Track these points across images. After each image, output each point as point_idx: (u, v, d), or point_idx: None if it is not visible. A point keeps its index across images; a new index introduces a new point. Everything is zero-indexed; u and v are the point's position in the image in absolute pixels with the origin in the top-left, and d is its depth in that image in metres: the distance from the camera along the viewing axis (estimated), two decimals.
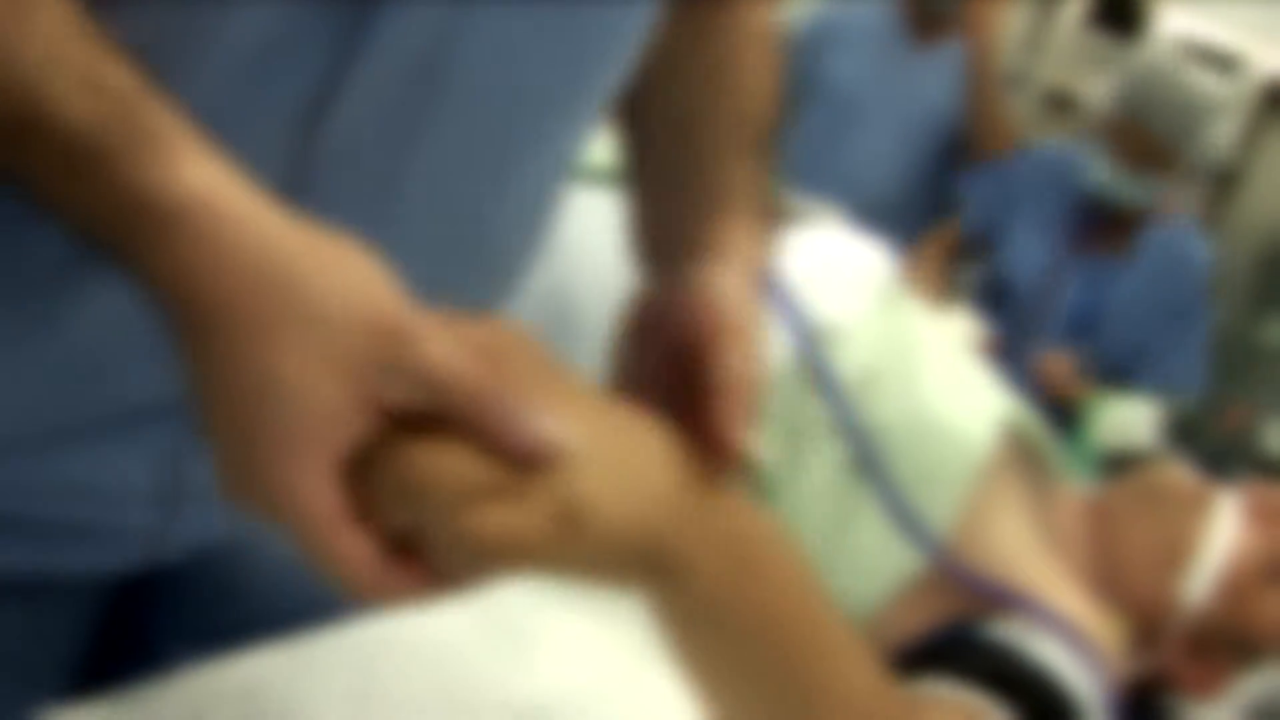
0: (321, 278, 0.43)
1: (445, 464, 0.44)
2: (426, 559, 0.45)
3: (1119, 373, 2.19)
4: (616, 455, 0.49)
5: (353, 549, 0.43)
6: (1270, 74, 3.51)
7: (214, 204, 0.43)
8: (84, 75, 0.42)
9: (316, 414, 0.42)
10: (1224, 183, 3.48)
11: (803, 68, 2.43)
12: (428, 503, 0.44)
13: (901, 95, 2.42)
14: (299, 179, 0.50)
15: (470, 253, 0.59)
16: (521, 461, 0.44)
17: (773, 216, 0.67)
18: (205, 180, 0.43)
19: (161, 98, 0.44)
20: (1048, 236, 2.25)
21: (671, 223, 0.61)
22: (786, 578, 0.58)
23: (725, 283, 0.57)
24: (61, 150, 0.42)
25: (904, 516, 0.88)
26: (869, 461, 0.90)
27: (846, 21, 2.48)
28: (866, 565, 0.89)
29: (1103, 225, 2.20)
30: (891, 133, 2.39)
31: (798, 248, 1.01)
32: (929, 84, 2.44)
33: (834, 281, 0.99)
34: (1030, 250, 2.25)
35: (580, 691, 0.77)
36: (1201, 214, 3.45)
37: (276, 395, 0.42)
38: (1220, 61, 3.61)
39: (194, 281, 0.43)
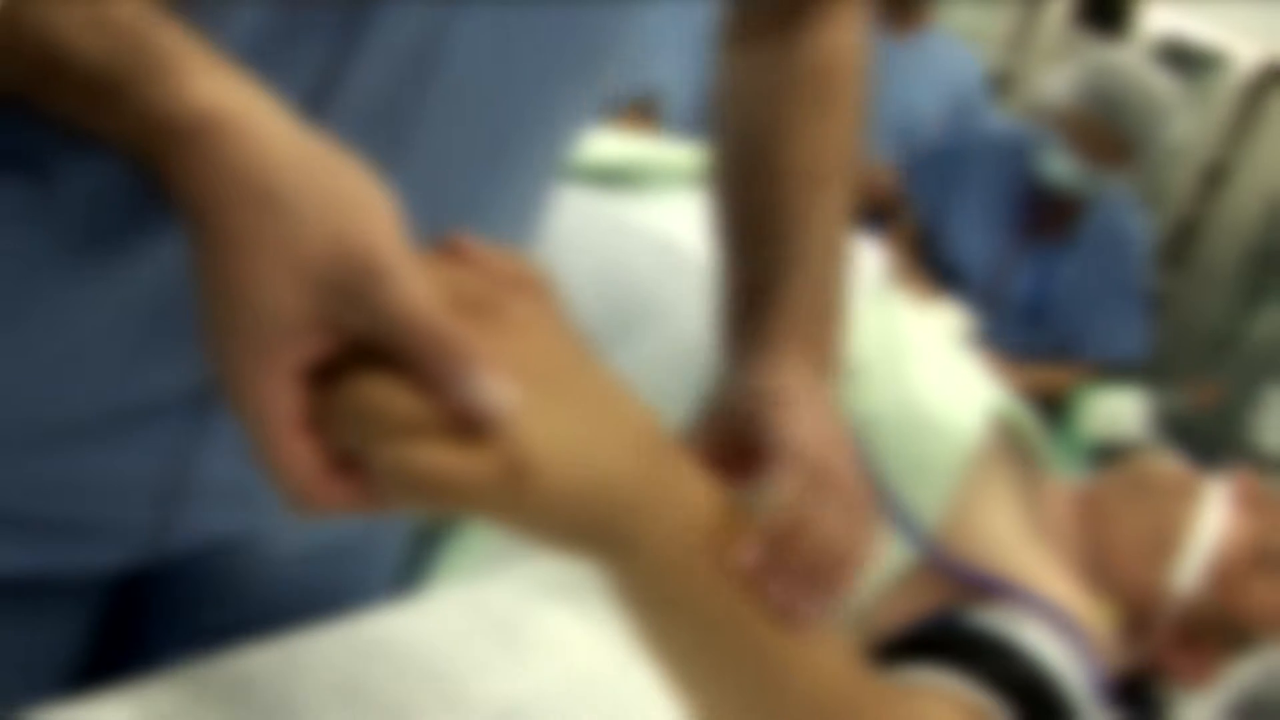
0: (308, 197, 0.44)
1: (396, 395, 0.45)
2: (367, 479, 0.45)
3: (1067, 350, 2.22)
4: (579, 422, 0.49)
5: (299, 455, 0.44)
6: (1253, 69, 3.53)
7: (221, 120, 0.44)
8: (90, 14, 0.44)
9: (277, 324, 0.44)
10: (1211, 176, 3.50)
11: None
12: (373, 428, 0.44)
13: (884, 95, 2.42)
14: None
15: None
16: (462, 419, 0.44)
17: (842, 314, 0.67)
18: (213, 98, 0.44)
19: (170, 25, 0.45)
20: (995, 223, 2.27)
21: (752, 288, 0.62)
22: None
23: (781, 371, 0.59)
24: (79, 86, 0.44)
25: (894, 508, 0.89)
26: (859, 453, 0.90)
27: None
28: None
29: (1050, 212, 2.23)
30: (878, 136, 2.39)
31: None
32: (910, 83, 2.44)
33: None
34: (978, 236, 2.27)
35: (568, 687, 0.77)
36: (1187, 208, 3.47)
37: (245, 301, 0.44)
38: (1203, 57, 3.63)
39: (198, 193, 0.44)
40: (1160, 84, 2.12)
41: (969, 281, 2.25)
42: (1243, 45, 3.60)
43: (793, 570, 0.54)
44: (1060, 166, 2.13)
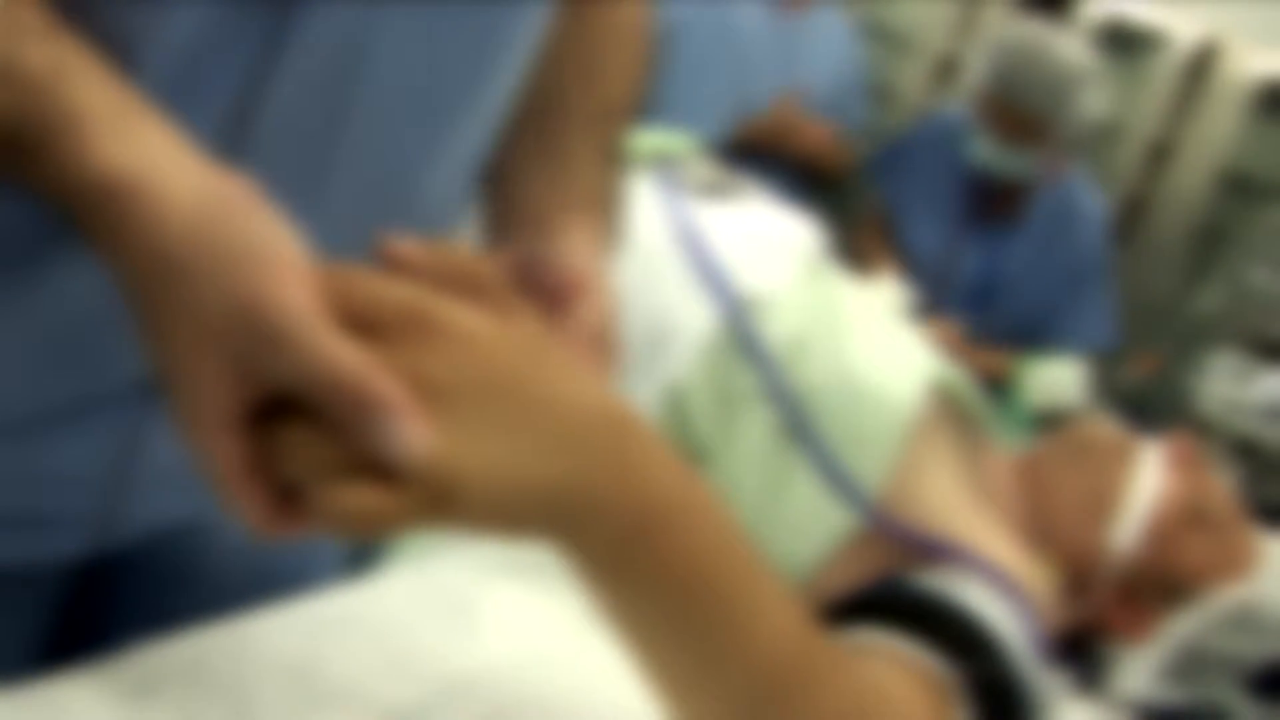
0: (207, 265, 0.45)
1: (315, 441, 0.45)
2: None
3: (1029, 335, 2.23)
4: (515, 431, 0.48)
5: (249, 497, 0.46)
6: (1193, 47, 3.58)
7: (124, 187, 0.45)
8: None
9: (197, 386, 0.45)
10: (1156, 154, 3.54)
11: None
12: (299, 470, 0.46)
13: (789, 65, 2.43)
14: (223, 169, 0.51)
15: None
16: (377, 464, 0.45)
17: (622, 201, 0.69)
18: (118, 161, 0.45)
19: (83, 73, 0.46)
20: (943, 209, 2.28)
21: (527, 193, 0.62)
22: (702, 532, 0.57)
23: (574, 246, 0.59)
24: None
25: (836, 476, 0.91)
26: (800, 425, 0.92)
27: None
28: (802, 526, 0.91)
29: (993, 195, 2.24)
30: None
31: (725, 221, 1.03)
32: (807, 59, 2.45)
33: (761, 253, 1.02)
34: (928, 222, 2.29)
35: (523, 660, 0.79)
36: (1134, 186, 3.52)
37: (165, 362, 0.46)
38: (1145, 38, 3.68)
39: (111, 258, 0.46)
40: (1068, 54, 2.08)
41: (919, 267, 2.27)
42: (1182, 24, 3.65)
43: None
44: (984, 150, 2.13)
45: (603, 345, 0.56)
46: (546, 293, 0.57)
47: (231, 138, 0.52)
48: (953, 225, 2.26)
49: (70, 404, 0.58)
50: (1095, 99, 2.13)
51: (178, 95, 0.50)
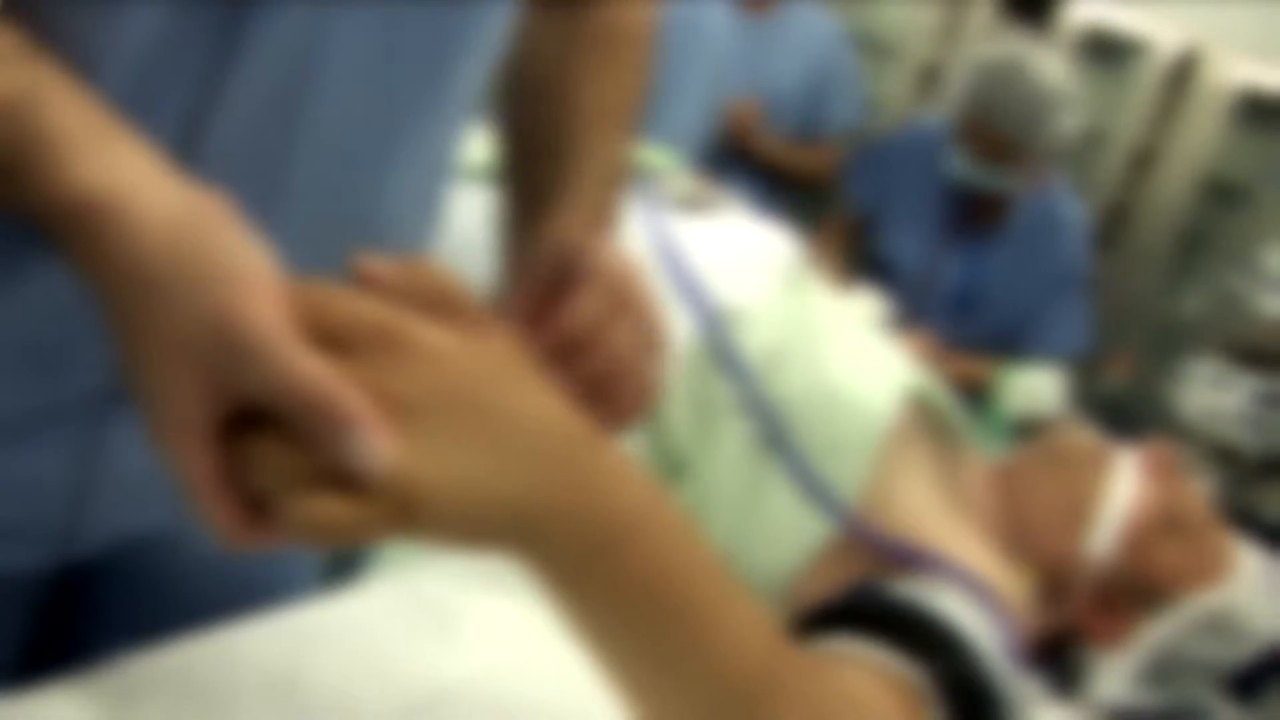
0: (179, 281, 0.46)
1: (283, 452, 0.46)
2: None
3: (1006, 345, 2.24)
4: (480, 448, 0.49)
5: (220, 507, 0.47)
6: (1174, 55, 3.61)
7: (99, 205, 0.46)
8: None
9: (171, 400, 0.46)
10: (1136, 162, 3.57)
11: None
12: (267, 481, 0.47)
13: (751, 70, 2.44)
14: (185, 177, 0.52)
15: (355, 241, 0.62)
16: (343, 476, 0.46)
17: (622, 199, 0.70)
18: (92, 180, 0.46)
19: (56, 94, 0.47)
20: (924, 217, 2.28)
21: (537, 193, 0.63)
22: (666, 546, 0.57)
23: (574, 229, 0.60)
24: None
25: (812, 486, 0.92)
26: (776, 435, 0.93)
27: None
28: (779, 535, 0.92)
29: (973, 206, 2.24)
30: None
31: (702, 234, 1.04)
32: (774, 58, 2.46)
33: (738, 265, 1.03)
34: (909, 231, 2.29)
35: (504, 670, 0.80)
36: (1117, 193, 3.54)
37: (141, 377, 0.47)
38: (1127, 45, 3.70)
39: (90, 276, 0.47)
40: (1044, 74, 2.08)
41: (899, 276, 2.28)
42: (1164, 33, 3.67)
43: (581, 379, 0.57)
44: (961, 167, 2.13)
45: (655, 326, 0.57)
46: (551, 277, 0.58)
47: (186, 145, 0.52)
48: (934, 234, 2.27)
49: (34, 414, 0.59)
50: (1072, 117, 2.13)
51: (132, 103, 0.50)
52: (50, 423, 0.59)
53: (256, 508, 0.47)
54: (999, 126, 2.08)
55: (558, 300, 0.60)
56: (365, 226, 0.62)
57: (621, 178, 0.69)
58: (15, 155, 0.46)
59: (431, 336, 0.50)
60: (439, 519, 0.48)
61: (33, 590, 0.71)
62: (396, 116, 0.60)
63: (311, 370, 0.45)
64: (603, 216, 0.65)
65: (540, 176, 0.65)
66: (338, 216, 0.59)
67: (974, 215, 2.25)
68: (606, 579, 0.55)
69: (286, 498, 0.46)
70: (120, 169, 0.47)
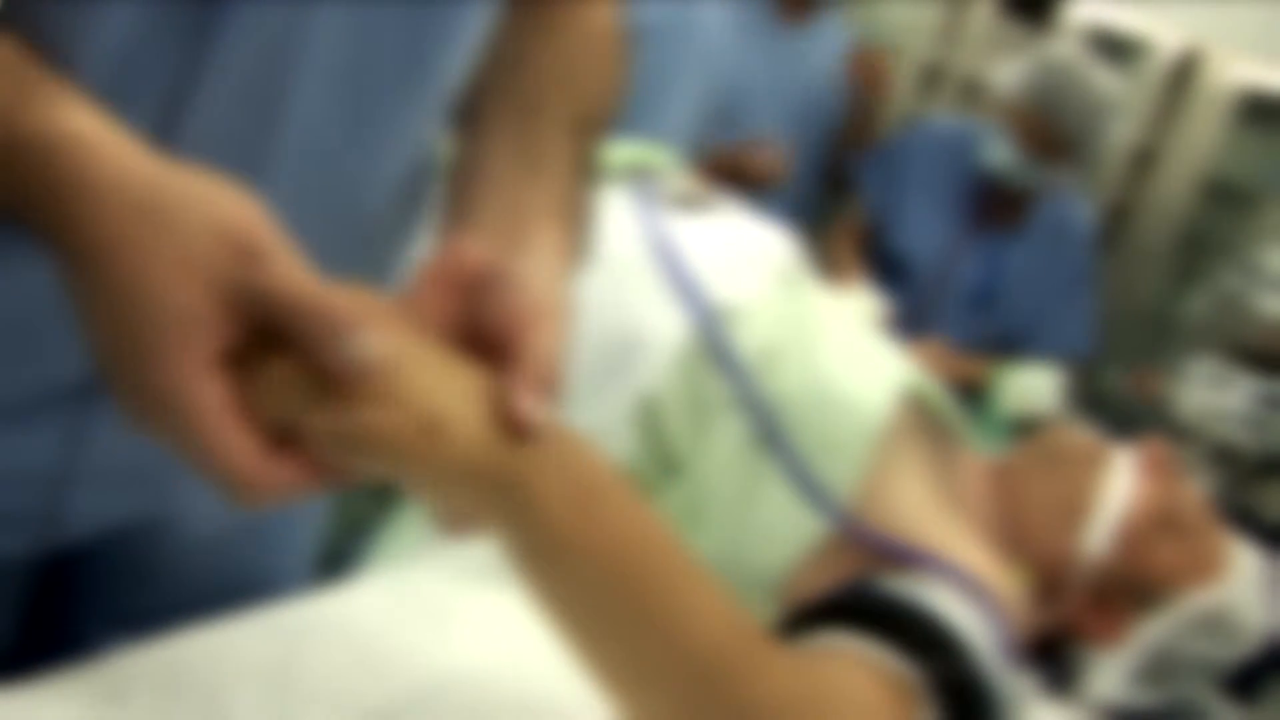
0: (184, 198, 0.47)
1: (300, 372, 0.48)
2: (302, 454, 0.49)
3: (1015, 344, 2.25)
4: (464, 384, 0.53)
5: (236, 443, 0.47)
6: (1176, 54, 3.60)
7: (89, 141, 0.47)
8: None
9: (182, 320, 0.46)
10: (1140, 162, 3.57)
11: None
12: (288, 404, 0.48)
13: (784, 80, 2.44)
14: None
15: (336, 234, 0.62)
16: (342, 379, 0.48)
17: (593, 210, 0.69)
18: (82, 121, 0.47)
19: (29, 58, 0.47)
20: (943, 214, 2.30)
21: (499, 198, 0.62)
22: (632, 513, 0.61)
23: (541, 265, 0.59)
24: None
25: (807, 484, 0.92)
26: (772, 433, 0.93)
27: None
28: (774, 533, 0.92)
29: (997, 203, 2.26)
30: (777, 119, 2.40)
31: (699, 232, 1.04)
32: (808, 67, 2.46)
33: (735, 264, 1.03)
34: (926, 228, 2.30)
35: (497, 665, 0.80)
36: (1118, 193, 3.54)
37: (146, 303, 0.46)
38: (1128, 46, 3.70)
39: (73, 209, 0.46)
40: (1105, 82, 2.14)
41: (915, 273, 2.28)
42: (1166, 32, 3.67)
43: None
44: (1002, 156, 2.16)
45: (552, 373, 0.57)
46: (498, 310, 0.57)
47: (162, 140, 0.52)
48: (954, 230, 2.28)
49: (17, 400, 0.59)
50: (1121, 128, 2.19)
51: (108, 97, 0.50)
52: (33, 409, 0.59)
53: (274, 444, 0.48)
54: (1062, 122, 2.12)
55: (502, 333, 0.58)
56: (343, 221, 0.62)
57: (589, 205, 0.68)
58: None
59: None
60: (456, 438, 0.52)
61: (20, 579, 0.71)
62: (374, 114, 0.60)
63: (309, 282, 0.47)
64: (567, 254, 0.63)
65: (503, 192, 0.63)
66: (315, 211, 0.59)
67: (996, 211, 2.27)
68: (582, 544, 0.58)
69: (313, 413, 0.48)
70: (104, 121, 0.48)
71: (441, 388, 0.52)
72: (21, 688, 0.62)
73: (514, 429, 0.54)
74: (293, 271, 0.47)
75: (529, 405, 0.54)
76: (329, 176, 0.59)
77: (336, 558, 0.94)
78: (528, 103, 0.67)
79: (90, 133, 0.47)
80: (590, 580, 0.59)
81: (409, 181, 0.66)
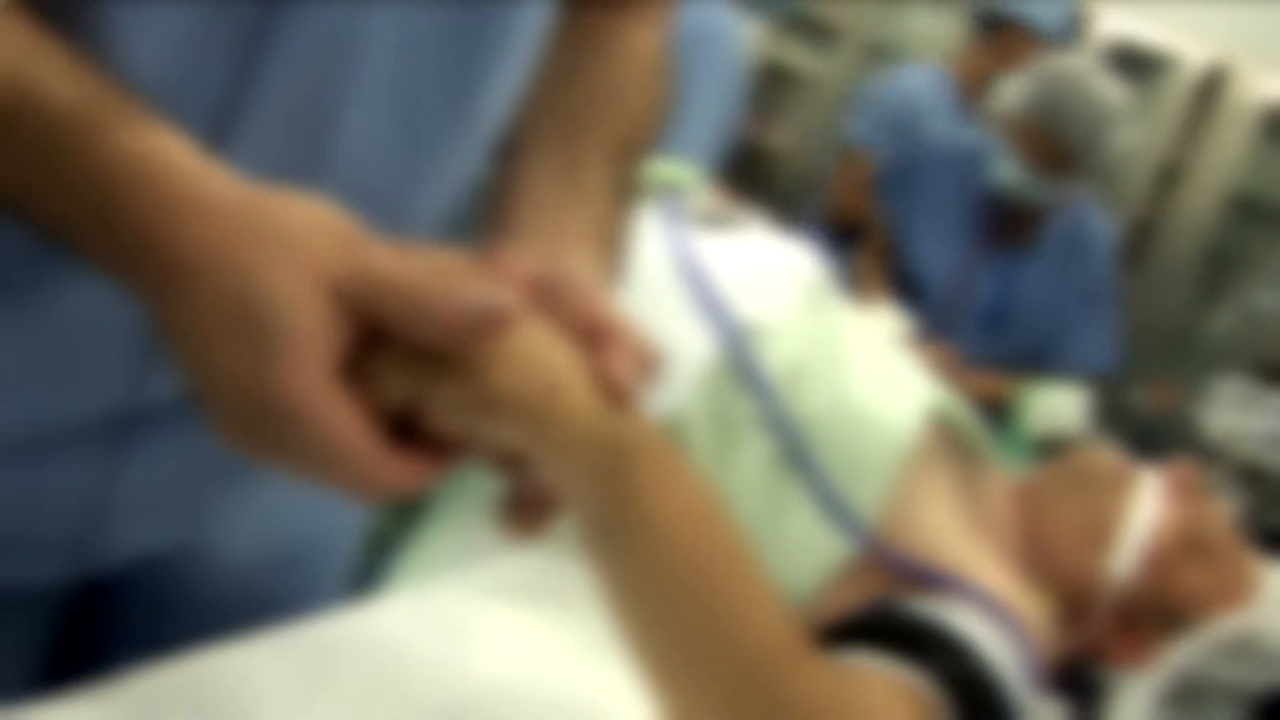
0: (286, 206, 0.47)
1: (417, 355, 0.48)
2: (421, 439, 0.50)
3: (1037, 360, 2.23)
4: (566, 348, 0.53)
5: (365, 445, 0.47)
6: (1203, 69, 3.59)
7: (180, 160, 0.46)
8: (63, 61, 0.46)
9: (302, 328, 0.45)
10: (1165, 177, 3.55)
11: None
12: (423, 379, 0.48)
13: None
14: None
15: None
16: (470, 334, 0.47)
17: (628, 234, 0.69)
18: (169, 142, 0.47)
19: (60, 68, 0.47)
20: (954, 233, 2.28)
21: (537, 219, 0.62)
22: (708, 499, 0.62)
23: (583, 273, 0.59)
24: (46, 130, 0.45)
25: (833, 504, 0.91)
26: (797, 453, 0.93)
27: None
28: (798, 553, 0.92)
29: (1010, 219, 2.24)
30: None
31: (724, 250, 1.04)
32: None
33: (761, 281, 1.03)
34: (938, 247, 2.29)
35: (520, 684, 0.79)
36: (1143, 209, 3.52)
37: (261, 318, 0.45)
38: (1154, 60, 3.69)
39: (168, 232, 0.45)
40: (1108, 91, 2.11)
41: (929, 290, 2.27)
42: (1192, 46, 3.66)
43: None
44: (1011, 174, 2.14)
45: (651, 352, 0.57)
46: (576, 316, 0.56)
47: (212, 150, 0.52)
48: (966, 249, 2.27)
49: (57, 429, 0.59)
50: (1128, 132, 2.16)
51: (157, 106, 0.50)
52: (72, 438, 0.59)
53: (403, 435, 0.48)
54: (1063, 134, 2.09)
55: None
56: (397, 225, 0.61)
57: (626, 229, 0.68)
58: (98, 117, 0.46)
59: None
60: (576, 404, 0.52)
61: (53, 604, 0.71)
62: (424, 137, 0.60)
63: (405, 258, 0.48)
64: (602, 277, 0.63)
65: (542, 213, 0.63)
66: (370, 213, 0.58)
67: (1008, 228, 2.25)
68: (664, 515, 0.58)
69: (439, 387, 0.48)
70: (169, 135, 0.47)
71: (553, 348, 0.52)
72: (48, 705, 0.62)
73: (615, 396, 0.54)
74: (389, 252, 0.48)
75: (626, 371, 0.54)
76: (376, 203, 0.58)
77: (361, 576, 0.93)
78: (570, 125, 0.66)
79: (179, 152, 0.47)
80: (664, 561, 0.59)
81: (456, 213, 0.66)
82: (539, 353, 0.52)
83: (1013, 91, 2.15)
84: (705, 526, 0.62)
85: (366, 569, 0.95)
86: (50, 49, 0.46)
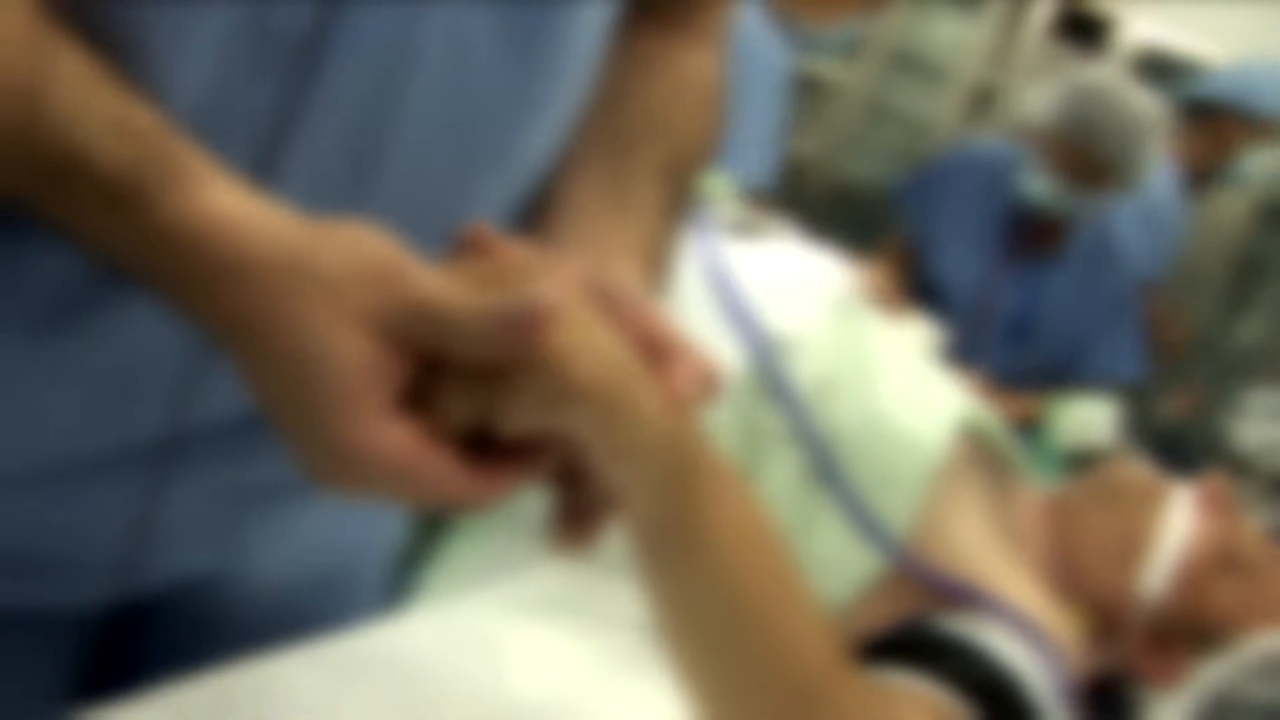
0: (327, 247, 0.47)
1: (469, 374, 0.48)
2: (499, 450, 0.49)
3: (1060, 373, 2.21)
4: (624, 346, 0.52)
5: (442, 469, 0.47)
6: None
7: (237, 220, 0.46)
8: (113, 118, 0.45)
9: (353, 370, 0.46)
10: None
11: None
12: (475, 406, 0.48)
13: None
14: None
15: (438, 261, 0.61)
16: (518, 338, 0.47)
17: (673, 256, 0.69)
18: (226, 202, 0.47)
19: (178, 135, 0.47)
20: (980, 243, 2.26)
21: (585, 232, 0.62)
22: (759, 515, 0.62)
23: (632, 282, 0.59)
24: (96, 191, 0.45)
25: (863, 519, 0.91)
26: (827, 467, 0.92)
27: None
28: (828, 568, 0.91)
29: (1036, 230, 2.22)
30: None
31: (754, 261, 1.04)
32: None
33: (790, 293, 1.02)
34: (964, 256, 2.27)
35: (548, 700, 0.79)
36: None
37: (314, 366, 0.46)
38: (1182, 66, 3.66)
39: (224, 291, 0.46)
40: (1142, 104, 2.08)
41: (954, 301, 2.25)
42: (1220, 53, 3.63)
43: None
44: (1040, 186, 2.11)
45: (714, 372, 0.56)
46: (638, 329, 0.56)
47: (262, 169, 0.52)
48: (992, 260, 2.25)
49: (88, 463, 0.59)
50: (1159, 149, 2.14)
51: (205, 124, 0.49)
52: (118, 462, 0.59)
53: (473, 452, 0.48)
54: (1098, 148, 2.07)
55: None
56: (447, 250, 0.61)
57: (671, 247, 0.67)
58: (147, 177, 0.45)
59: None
60: (648, 399, 0.51)
61: (88, 626, 0.71)
62: (486, 130, 0.59)
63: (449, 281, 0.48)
64: (647, 292, 0.62)
65: (590, 227, 0.62)
66: (421, 233, 0.57)
67: (1035, 239, 2.23)
68: (719, 527, 0.58)
69: (512, 390, 0.48)
70: (242, 192, 0.48)
71: (619, 345, 0.51)
72: None
73: (678, 408, 0.53)
74: (433, 277, 0.47)
75: (690, 384, 0.53)
76: (429, 219, 0.58)
77: (390, 591, 0.93)
78: (620, 142, 0.66)
79: (236, 210, 0.47)
80: (719, 575, 0.59)
81: (512, 210, 0.65)
82: (607, 345, 0.51)
83: (1041, 104, 2.12)
84: (759, 544, 0.61)
85: (396, 584, 0.95)
86: (99, 100, 0.46)
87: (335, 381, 0.45)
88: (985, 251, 2.25)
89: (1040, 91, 2.15)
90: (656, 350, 0.54)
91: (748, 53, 1.95)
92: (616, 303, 0.55)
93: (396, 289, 0.47)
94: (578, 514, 0.55)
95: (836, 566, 0.91)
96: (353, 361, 0.46)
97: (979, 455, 1.01)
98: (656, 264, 0.63)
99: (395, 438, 0.46)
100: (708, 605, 0.61)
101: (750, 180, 1.82)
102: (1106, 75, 2.16)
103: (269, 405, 0.48)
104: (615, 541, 0.57)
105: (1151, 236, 2.46)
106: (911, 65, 4.03)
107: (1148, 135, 2.09)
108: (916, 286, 2.28)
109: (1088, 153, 2.08)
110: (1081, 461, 2.00)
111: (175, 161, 0.46)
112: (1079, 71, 2.18)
